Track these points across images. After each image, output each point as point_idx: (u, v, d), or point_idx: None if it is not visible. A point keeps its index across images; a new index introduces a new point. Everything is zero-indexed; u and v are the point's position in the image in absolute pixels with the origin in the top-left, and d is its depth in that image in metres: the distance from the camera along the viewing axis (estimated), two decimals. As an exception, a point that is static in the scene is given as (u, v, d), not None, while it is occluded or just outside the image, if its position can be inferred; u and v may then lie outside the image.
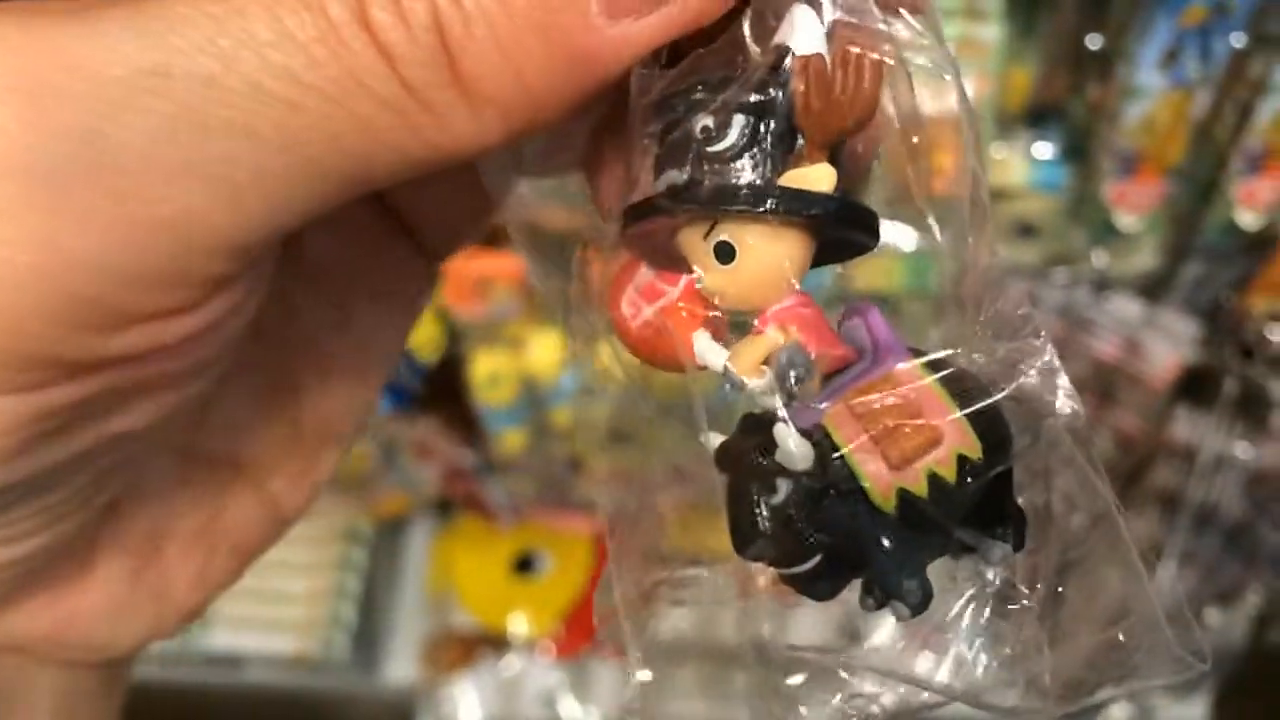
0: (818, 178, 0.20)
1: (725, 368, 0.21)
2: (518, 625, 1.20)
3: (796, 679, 0.22)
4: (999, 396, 0.21)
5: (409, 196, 0.25)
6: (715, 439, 0.22)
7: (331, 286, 0.26)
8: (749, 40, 0.21)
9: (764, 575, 0.23)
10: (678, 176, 0.20)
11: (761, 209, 0.20)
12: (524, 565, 1.23)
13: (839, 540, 0.20)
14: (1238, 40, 0.76)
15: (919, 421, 0.20)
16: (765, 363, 0.20)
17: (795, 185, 0.20)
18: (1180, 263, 0.92)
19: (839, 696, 0.22)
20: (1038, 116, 0.88)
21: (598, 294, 0.23)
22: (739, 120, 0.20)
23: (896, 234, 0.23)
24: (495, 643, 1.21)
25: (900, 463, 0.20)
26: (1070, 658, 0.22)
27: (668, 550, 0.24)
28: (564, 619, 1.20)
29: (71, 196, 0.17)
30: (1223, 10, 0.75)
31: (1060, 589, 0.22)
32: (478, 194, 0.25)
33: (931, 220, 0.23)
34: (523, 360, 0.95)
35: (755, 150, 0.20)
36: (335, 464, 0.27)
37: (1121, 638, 0.21)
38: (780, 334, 0.20)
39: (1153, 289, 0.95)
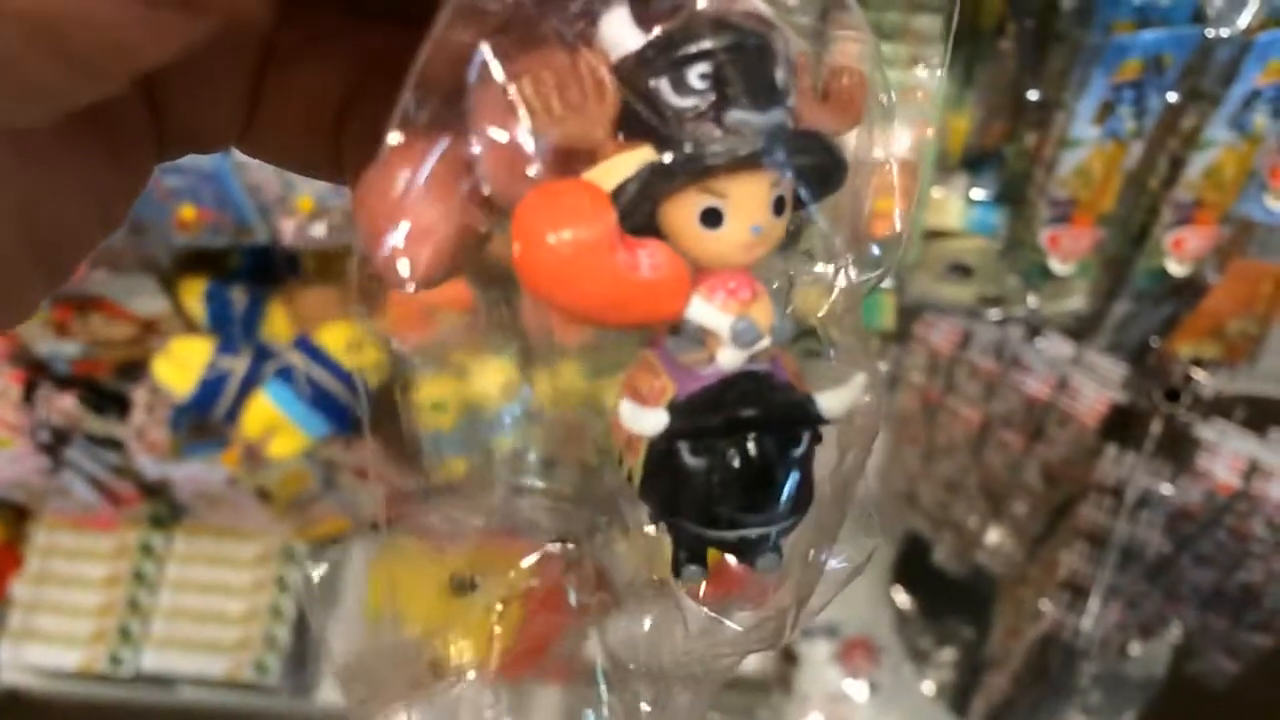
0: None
1: (743, 323, 0.20)
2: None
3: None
4: None
5: (181, 81, 0.22)
6: (652, 416, 0.20)
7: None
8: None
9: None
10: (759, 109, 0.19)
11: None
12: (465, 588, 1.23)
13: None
14: (1171, 96, 0.79)
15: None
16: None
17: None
18: (1109, 306, 0.94)
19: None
20: (975, 161, 0.90)
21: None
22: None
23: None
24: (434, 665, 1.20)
25: None
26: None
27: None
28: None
29: None
30: (1158, 66, 0.77)
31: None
32: (231, 109, 0.23)
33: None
34: (466, 387, 0.94)
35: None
36: (38, 305, 0.23)
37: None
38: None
39: (1081, 330, 0.97)
